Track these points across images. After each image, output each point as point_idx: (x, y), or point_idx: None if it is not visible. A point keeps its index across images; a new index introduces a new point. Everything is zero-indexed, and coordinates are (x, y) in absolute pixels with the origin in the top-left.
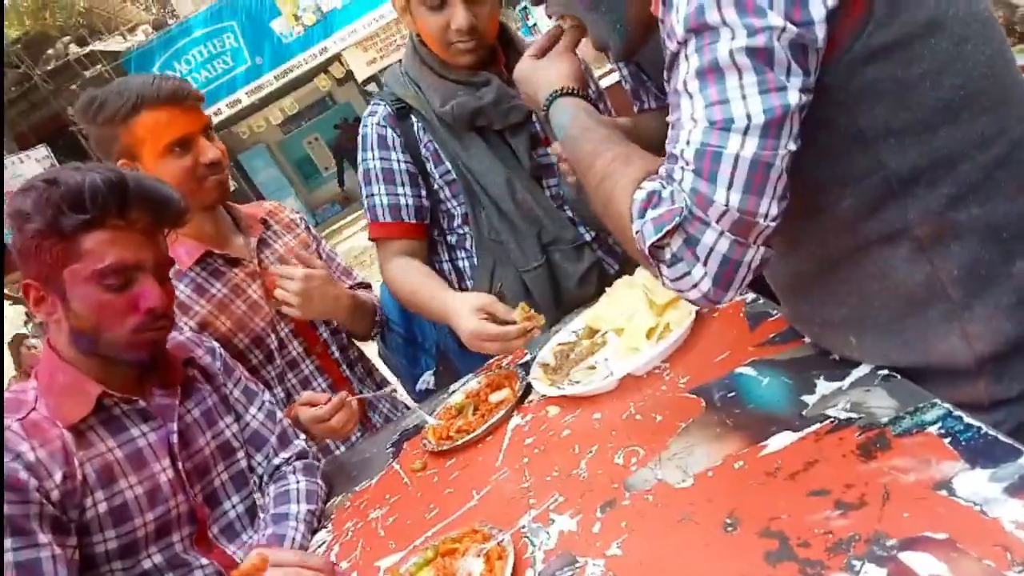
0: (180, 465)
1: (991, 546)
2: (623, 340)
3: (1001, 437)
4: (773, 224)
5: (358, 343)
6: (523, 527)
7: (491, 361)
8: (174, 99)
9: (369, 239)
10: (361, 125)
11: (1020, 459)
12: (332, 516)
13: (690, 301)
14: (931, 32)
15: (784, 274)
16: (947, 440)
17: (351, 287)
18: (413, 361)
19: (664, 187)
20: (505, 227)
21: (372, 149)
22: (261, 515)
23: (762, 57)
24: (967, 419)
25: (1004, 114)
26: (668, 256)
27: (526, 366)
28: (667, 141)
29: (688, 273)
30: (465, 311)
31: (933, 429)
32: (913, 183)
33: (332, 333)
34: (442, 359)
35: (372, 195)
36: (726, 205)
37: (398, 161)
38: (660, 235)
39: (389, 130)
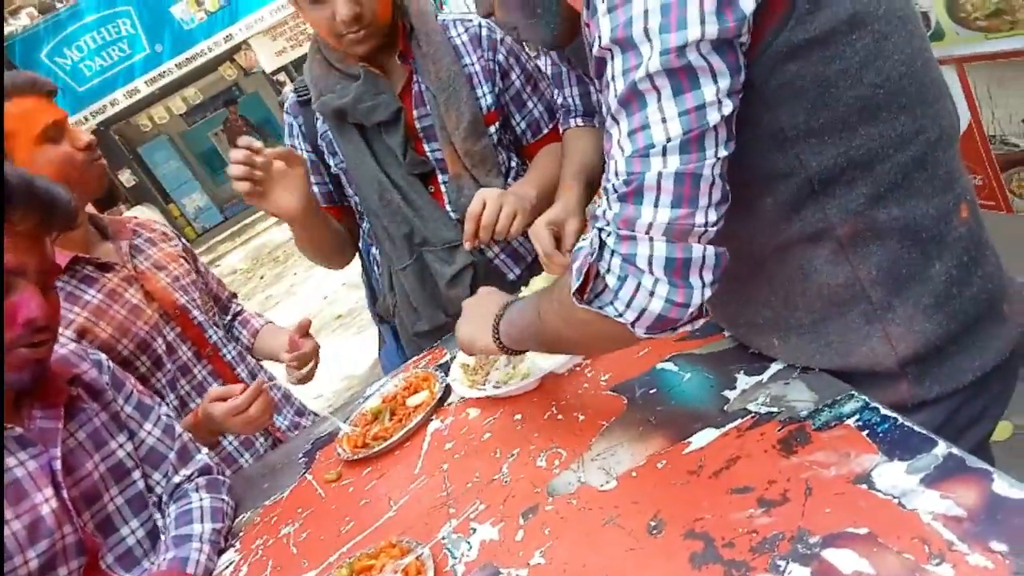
0: (65, 493)
1: (910, 539)
2: None
3: (916, 428)
4: (713, 228)
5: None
6: (443, 538)
7: (407, 363)
8: (35, 88)
9: None
10: None
11: (935, 449)
12: (241, 534)
13: (667, 321)
14: (853, 29)
15: None
16: (865, 432)
17: (254, 331)
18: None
19: (584, 239)
20: (378, 225)
21: (286, 136)
22: (163, 537)
23: (681, 75)
24: (883, 411)
25: (921, 113)
26: (613, 283)
27: (445, 367)
28: (605, 172)
29: (639, 285)
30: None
31: (851, 421)
32: (832, 183)
33: (226, 334)
34: None
35: None
36: (652, 219)
37: (300, 150)
38: (582, 278)
39: (292, 118)
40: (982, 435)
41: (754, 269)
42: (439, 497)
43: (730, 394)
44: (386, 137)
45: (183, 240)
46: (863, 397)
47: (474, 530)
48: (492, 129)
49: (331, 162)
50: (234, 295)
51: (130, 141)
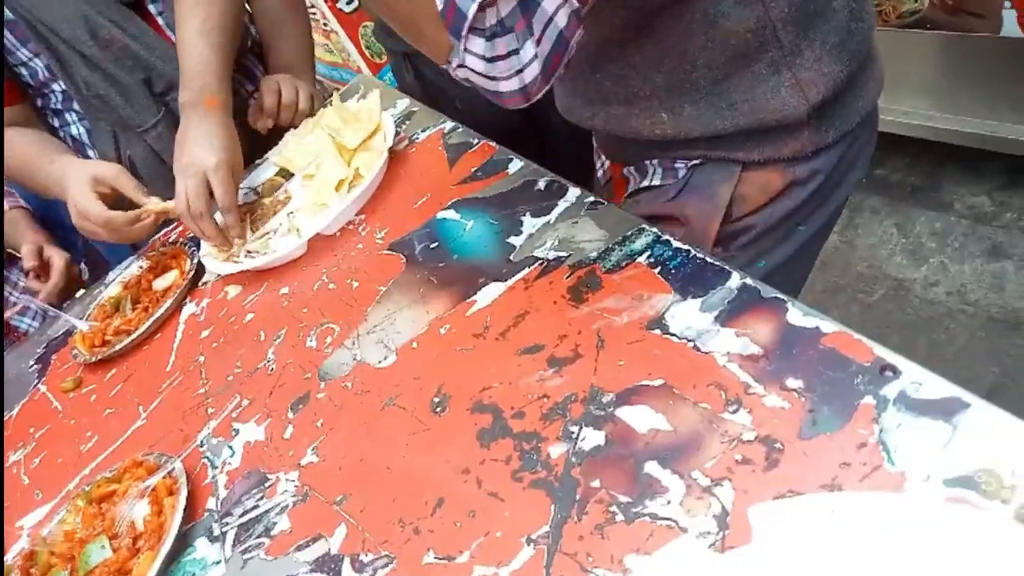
0: None
1: (706, 386)
2: (309, 196)
3: (709, 259)
4: None
5: None
6: (201, 445)
7: (154, 239)
8: None
9: None
10: None
11: (728, 282)
12: None
13: (498, 96)
14: None
15: (584, 45)
16: (657, 270)
17: None
18: (66, 248)
19: None
20: (98, 78)
21: None
22: None
23: None
24: (676, 244)
25: None
26: (490, 24)
27: (196, 241)
28: None
29: (515, 52)
30: (79, 181)
31: (643, 259)
32: None
33: None
34: (86, 246)
35: None
36: None
37: None
38: None
39: None
40: (859, 179)
41: (645, 28)
42: (196, 396)
43: (516, 240)
44: None
45: None
46: (654, 230)
47: (236, 431)
48: None
49: None
50: None
51: None
